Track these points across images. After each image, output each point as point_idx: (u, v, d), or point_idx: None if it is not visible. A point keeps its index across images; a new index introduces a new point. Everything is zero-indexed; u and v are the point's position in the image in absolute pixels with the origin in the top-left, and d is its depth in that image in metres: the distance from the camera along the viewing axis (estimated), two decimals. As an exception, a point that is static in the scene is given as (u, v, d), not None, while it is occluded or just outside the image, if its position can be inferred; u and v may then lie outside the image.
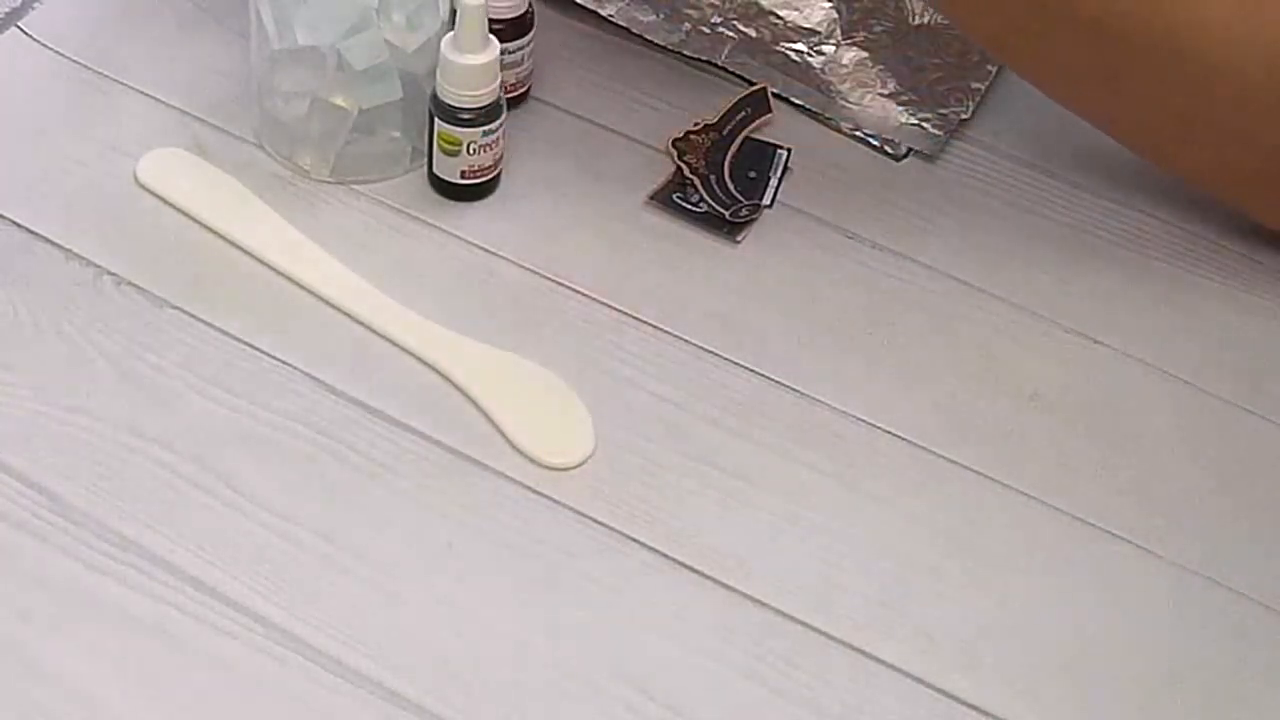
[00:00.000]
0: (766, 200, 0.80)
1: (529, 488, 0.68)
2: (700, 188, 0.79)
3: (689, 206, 0.79)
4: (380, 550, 0.65)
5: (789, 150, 0.82)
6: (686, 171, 0.80)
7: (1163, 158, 0.79)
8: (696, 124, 0.82)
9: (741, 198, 0.79)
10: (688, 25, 0.88)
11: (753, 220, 0.79)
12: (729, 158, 0.81)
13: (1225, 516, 0.70)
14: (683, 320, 0.75)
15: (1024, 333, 0.76)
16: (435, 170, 0.78)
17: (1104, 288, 0.79)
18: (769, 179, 0.81)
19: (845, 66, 0.87)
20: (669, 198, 0.80)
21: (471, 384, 0.71)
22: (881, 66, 0.87)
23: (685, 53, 0.87)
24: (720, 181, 0.80)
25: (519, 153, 0.80)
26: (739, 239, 0.78)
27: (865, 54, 0.88)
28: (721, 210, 0.79)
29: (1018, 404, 0.73)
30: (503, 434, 0.69)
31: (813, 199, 0.81)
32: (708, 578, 0.66)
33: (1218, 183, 0.79)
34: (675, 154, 0.81)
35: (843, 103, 0.85)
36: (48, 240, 0.74)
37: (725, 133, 0.82)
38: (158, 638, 0.62)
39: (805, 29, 0.88)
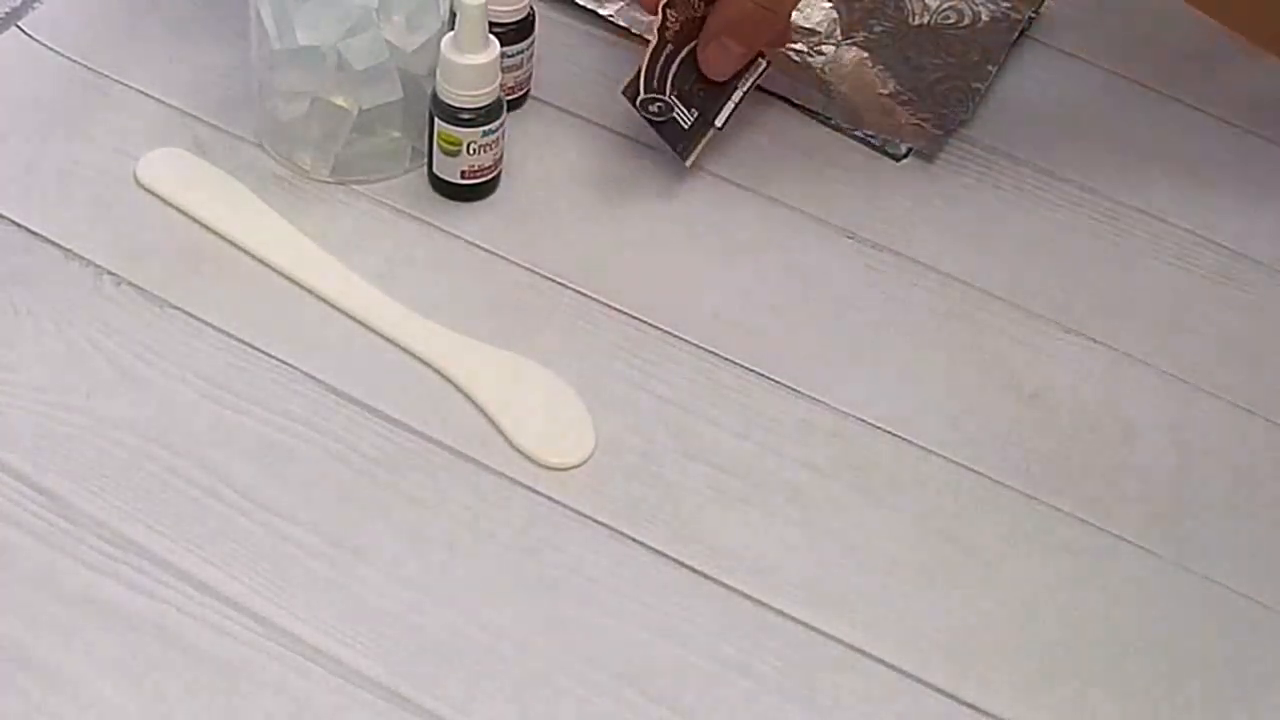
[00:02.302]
0: (722, 119, 0.79)
1: (529, 488, 0.68)
2: (663, 78, 0.77)
3: (650, 116, 0.78)
4: (380, 550, 0.65)
5: (768, 62, 0.81)
6: (666, 34, 0.77)
7: None
8: None
9: (702, 96, 0.78)
10: (688, 25, 0.88)
11: (702, 136, 0.78)
12: None
13: (1225, 516, 0.70)
14: (683, 320, 0.75)
15: (1024, 333, 0.76)
16: (435, 170, 0.78)
17: (1104, 287, 0.79)
18: (736, 86, 0.80)
19: (845, 66, 0.87)
20: (636, 99, 0.78)
21: (471, 384, 0.71)
22: (881, 66, 0.87)
23: (685, 53, 0.87)
24: (686, 64, 0.78)
25: (519, 153, 0.80)
26: (688, 162, 0.79)
27: (865, 54, 0.87)
28: (680, 120, 0.78)
29: (1018, 404, 0.74)
30: (503, 434, 0.69)
31: (813, 199, 0.81)
32: (708, 577, 0.66)
33: None
34: (663, 18, 0.77)
35: (843, 103, 0.85)
36: (48, 240, 0.74)
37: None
38: (158, 638, 0.62)
39: (805, 29, 0.88)
